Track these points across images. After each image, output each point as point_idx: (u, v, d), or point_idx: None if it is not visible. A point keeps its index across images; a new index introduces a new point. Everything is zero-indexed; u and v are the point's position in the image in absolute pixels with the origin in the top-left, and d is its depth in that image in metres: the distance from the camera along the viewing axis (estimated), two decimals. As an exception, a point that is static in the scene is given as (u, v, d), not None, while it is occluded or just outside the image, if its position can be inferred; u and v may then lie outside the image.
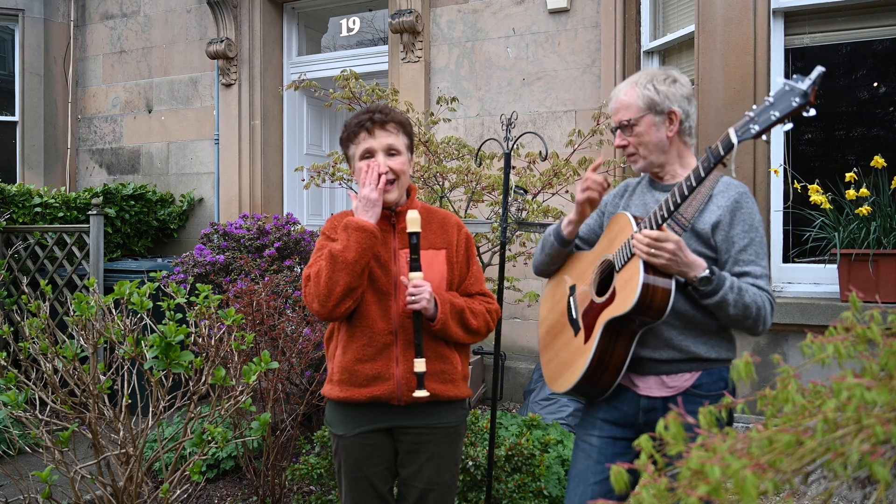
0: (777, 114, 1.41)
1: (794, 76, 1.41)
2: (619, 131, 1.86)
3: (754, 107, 1.46)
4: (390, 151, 1.97)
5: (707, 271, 1.66)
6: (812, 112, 1.40)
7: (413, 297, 1.87)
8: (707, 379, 1.80)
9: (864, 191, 3.35)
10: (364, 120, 1.98)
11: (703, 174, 1.61)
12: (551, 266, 2.09)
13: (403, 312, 1.93)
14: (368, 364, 1.94)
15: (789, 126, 1.43)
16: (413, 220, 1.92)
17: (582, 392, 1.89)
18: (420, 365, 1.89)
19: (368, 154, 1.98)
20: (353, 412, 1.99)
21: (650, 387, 1.83)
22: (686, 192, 1.65)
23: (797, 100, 1.39)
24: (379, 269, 1.96)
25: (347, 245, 1.87)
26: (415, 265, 1.91)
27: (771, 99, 1.43)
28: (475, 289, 2.07)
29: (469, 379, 2.09)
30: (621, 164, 3.95)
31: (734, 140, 1.47)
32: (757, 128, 1.44)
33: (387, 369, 1.93)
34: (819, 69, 1.39)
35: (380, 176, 1.94)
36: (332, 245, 1.92)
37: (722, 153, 1.51)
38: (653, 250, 1.62)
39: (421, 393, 1.88)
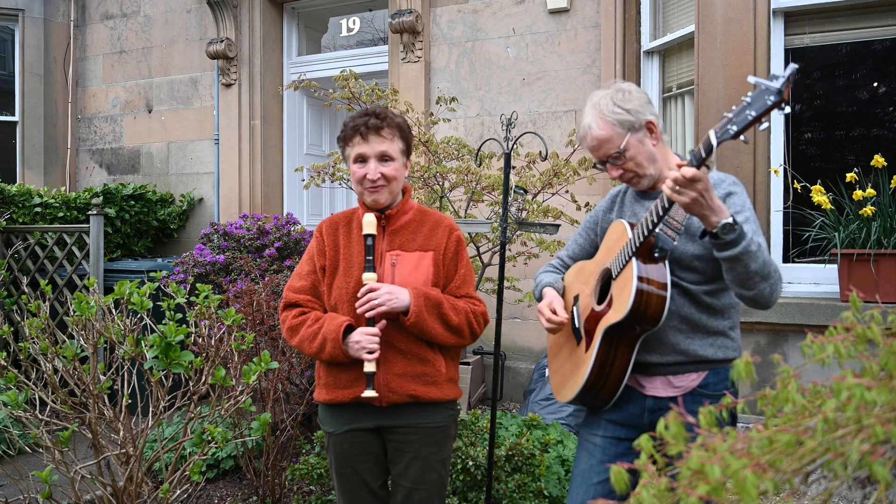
0: (753, 113, 1.43)
1: (771, 75, 1.42)
2: (608, 164, 1.84)
3: (734, 107, 1.47)
4: (383, 158, 2.00)
5: (731, 218, 1.59)
6: (787, 109, 1.42)
7: (367, 305, 1.90)
8: (714, 379, 1.80)
9: (870, 191, 3.35)
10: (360, 124, 2.00)
11: None
12: None
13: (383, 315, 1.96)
14: (350, 367, 1.97)
15: (766, 125, 1.45)
16: (368, 223, 1.99)
17: (585, 401, 1.88)
18: (370, 366, 1.91)
19: (361, 159, 2.01)
20: (340, 411, 2.03)
21: (656, 387, 1.82)
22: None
23: (772, 98, 1.40)
24: None
25: (322, 349, 1.96)
26: (369, 265, 1.97)
27: (748, 99, 1.45)
28: (461, 291, 2.07)
29: (457, 381, 2.10)
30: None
31: (714, 142, 1.48)
32: (735, 128, 1.46)
33: None
34: (792, 66, 1.41)
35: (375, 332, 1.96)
36: (307, 332, 1.99)
37: (704, 155, 1.52)
38: (678, 186, 1.54)
39: (369, 393, 1.90)
